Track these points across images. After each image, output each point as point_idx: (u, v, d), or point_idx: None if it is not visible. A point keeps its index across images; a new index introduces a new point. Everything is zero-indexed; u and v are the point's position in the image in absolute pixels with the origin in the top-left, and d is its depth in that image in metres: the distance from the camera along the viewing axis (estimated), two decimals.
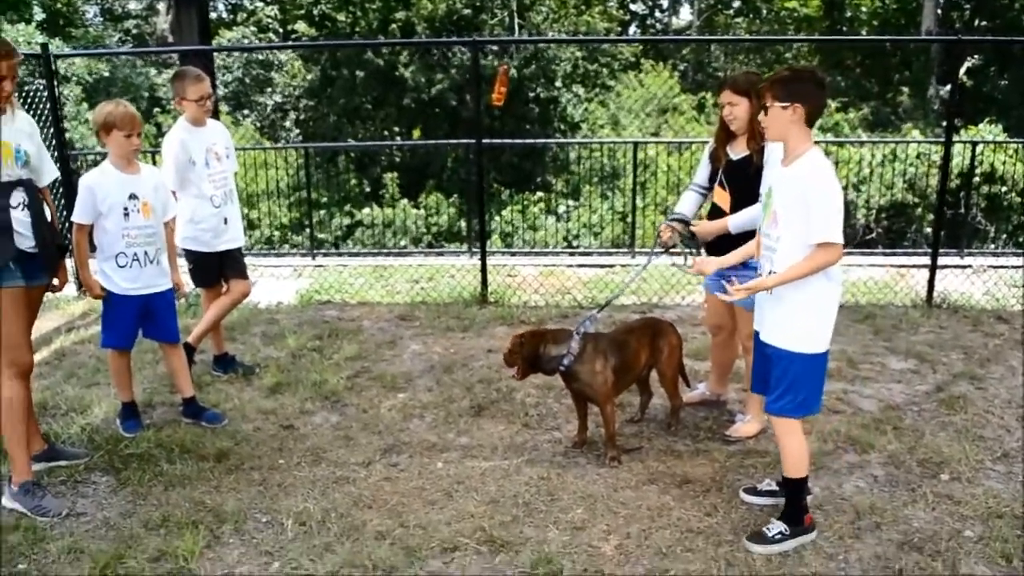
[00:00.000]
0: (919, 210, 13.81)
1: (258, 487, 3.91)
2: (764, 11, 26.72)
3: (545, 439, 4.45)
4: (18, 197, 3.64)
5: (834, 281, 3.30)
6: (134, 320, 4.40)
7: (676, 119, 18.73)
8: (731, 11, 28.12)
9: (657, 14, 31.47)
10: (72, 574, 3.19)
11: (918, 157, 13.01)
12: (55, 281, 3.98)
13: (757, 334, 3.50)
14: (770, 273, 3.32)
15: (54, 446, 4.21)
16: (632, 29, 29.44)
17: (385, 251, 11.14)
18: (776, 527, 3.39)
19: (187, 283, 5.15)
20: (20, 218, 3.64)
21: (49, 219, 3.83)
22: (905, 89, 22.44)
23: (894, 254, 9.25)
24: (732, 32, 25.82)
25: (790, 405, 3.33)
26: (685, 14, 30.79)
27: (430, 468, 4.11)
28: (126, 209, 4.25)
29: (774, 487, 3.73)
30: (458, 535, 3.45)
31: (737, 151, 4.30)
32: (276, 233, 14.12)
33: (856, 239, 13.40)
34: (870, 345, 5.94)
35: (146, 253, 4.32)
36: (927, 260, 7.33)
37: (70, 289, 7.27)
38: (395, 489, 3.89)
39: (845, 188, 13.31)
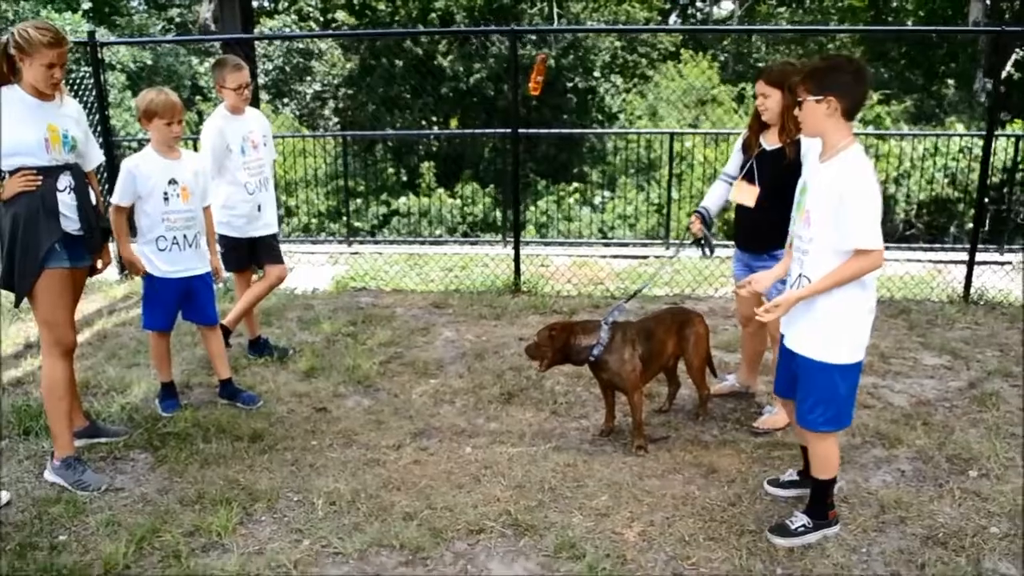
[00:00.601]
0: (961, 206, 13.60)
1: (290, 467, 4.01)
2: (807, 1, 26.36)
3: (573, 427, 4.50)
4: (65, 181, 3.75)
5: (868, 289, 3.14)
6: (174, 302, 4.52)
7: (715, 110, 18.58)
8: (773, 1, 27.79)
9: (699, 3, 31.18)
10: (110, 546, 3.29)
11: (960, 151, 12.81)
12: (99, 263, 4.09)
13: (783, 337, 3.41)
14: (800, 277, 3.21)
15: (95, 423, 4.34)
16: (672, 19, 29.20)
17: (420, 240, 11.23)
18: (799, 520, 3.40)
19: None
20: (66, 201, 3.75)
21: (94, 203, 3.94)
22: (951, 82, 22.03)
23: (932, 249, 9.16)
24: (774, 22, 25.48)
25: (821, 419, 3.24)
26: (727, 4, 30.48)
27: (459, 452, 4.18)
28: (166, 194, 4.36)
29: (795, 477, 3.75)
30: (484, 518, 3.51)
31: (771, 142, 4.31)
32: (313, 221, 14.28)
33: (896, 234, 13.25)
34: (904, 340, 5.90)
35: (185, 237, 4.43)
36: (966, 256, 7.25)
37: (113, 273, 7.47)
38: (424, 472, 3.96)
39: (885, 182, 13.16)
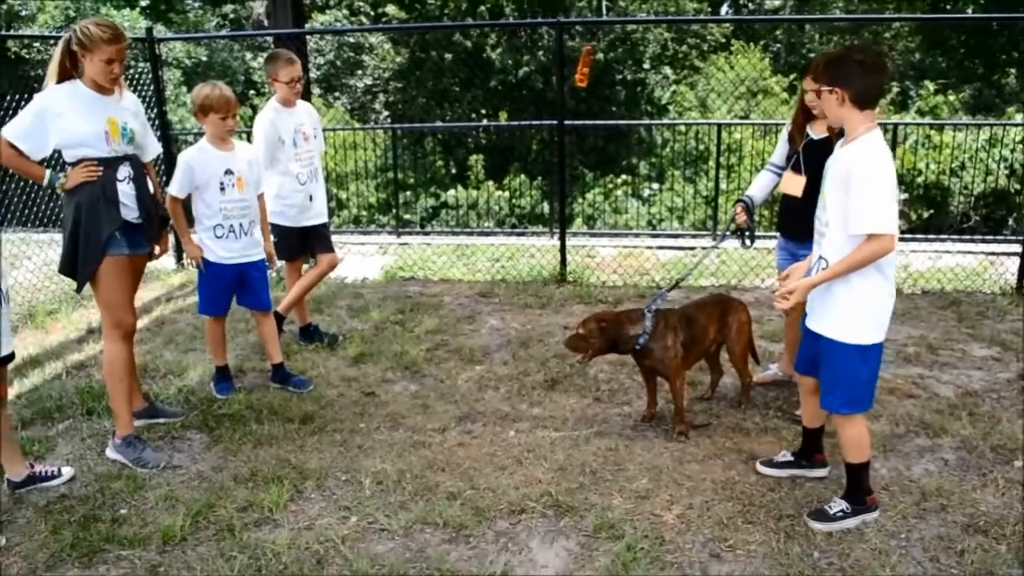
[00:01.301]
0: (1019, 198, 13.28)
1: (339, 448, 4.14)
2: None
3: (615, 413, 4.56)
4: (124, 171, 3.91)
5: (886, 272, 3.19)
6: (229, 288, 4.68)
7: (767, 101, 18.36)
8: None
9: None
10: (167, 519, 3.45)
11: (1020, 142, 12.51)
12: (156, 250, 4.24)
13: (805, 317, 3.47)
14: (819, 259, 3.28)
15: (154, 405, 4.52)
16: (724, 9, 28.87)
17: (468, 231, 11.33)
18: (838, 505, 3.42)
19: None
20: (126, 191, 3.91)
21: (152, 192, 4.10)
22: (1012, 70, 21.47)
23: (985, 241, 8.98)
24: (829, 11, 25.02)
25: (839, 401, 3.29)
26: None
27: (502, 436, 4.26)
28: (222, 184, 4.51)
29: (789, 458, 3.81)
30: (526, 499, 3.60)
31: (818, 131, 4.31)
32: (363, 213, 14.47)
33: (952, 226, 12.99)
34: (952, 332, 5.84)
35: (240, 225, 4.58)
36: (1019, 248, 7.13)
37: (170, 262, 7.70)
38: (468, 454, 4.06)
39: (941, 173, 12.91)
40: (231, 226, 4.56)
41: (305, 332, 5.70)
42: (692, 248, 8.89)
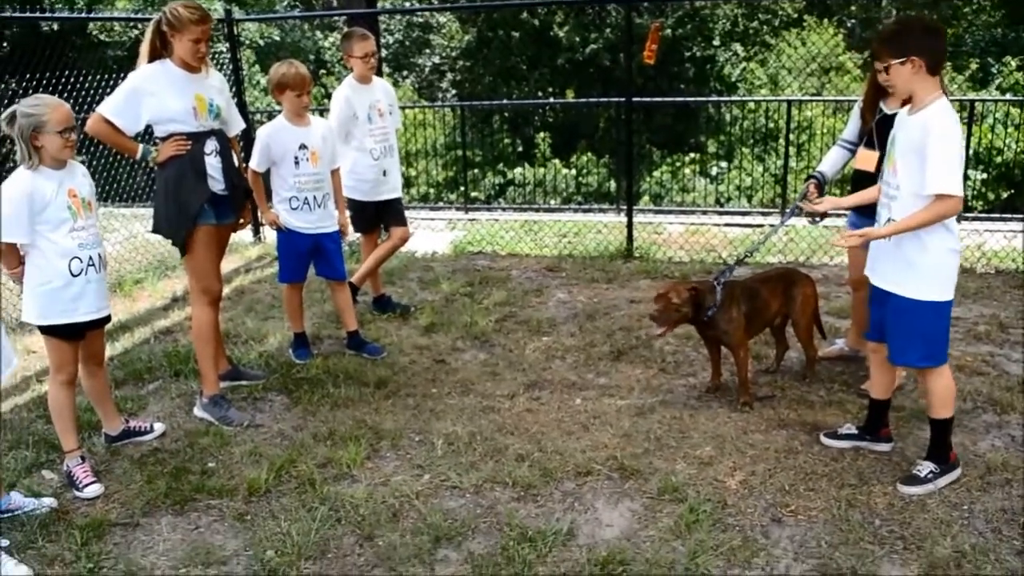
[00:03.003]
0: None
1: (412, 411, 4.32)
2: None
3: (680, 383, 4.64)
4: (211, 145, 4.12)
5: (952, 230, 3.32)
6: (305, 257, 4.89)
7: (841, 78, 17.95)
8: None
9: None
10: (253, 472, 3.67)
11: None
12: (240, 220, 4.46)
13: (871, 287, 3.56)
14: (888, 221, 3.37)
15: (237, 368, 4.75)
16: None
17: (535, 207, 11.42)
18: (926, 467, 3.50)
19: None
20: (213, 164, 4.12)
21: (236, 165, 4.30)
22: None
23: None
24: None
25: (917, 355, 3.40)
26: None
27: (569, 403, 4.39)
28: (296, 158, 4.70)
29: (853, 431, 3.86)
30: (592, 462, 3.72)
31: (891, 106, 4.28)
32: (432, 191, 14.66)
33: None
34: None
35: (315, 197, 4.77)
36: None
37: (248, 235, 7.98)
38: (536, 419, 4.19)
39: (1023, 152, 12.54)
40: (305, 198, 4.75)
41: (378, 302, 5.90)
42: (760, 226, 8.85)
